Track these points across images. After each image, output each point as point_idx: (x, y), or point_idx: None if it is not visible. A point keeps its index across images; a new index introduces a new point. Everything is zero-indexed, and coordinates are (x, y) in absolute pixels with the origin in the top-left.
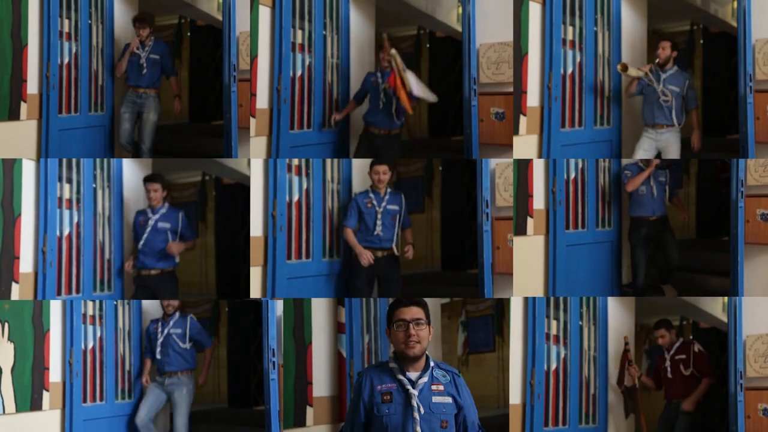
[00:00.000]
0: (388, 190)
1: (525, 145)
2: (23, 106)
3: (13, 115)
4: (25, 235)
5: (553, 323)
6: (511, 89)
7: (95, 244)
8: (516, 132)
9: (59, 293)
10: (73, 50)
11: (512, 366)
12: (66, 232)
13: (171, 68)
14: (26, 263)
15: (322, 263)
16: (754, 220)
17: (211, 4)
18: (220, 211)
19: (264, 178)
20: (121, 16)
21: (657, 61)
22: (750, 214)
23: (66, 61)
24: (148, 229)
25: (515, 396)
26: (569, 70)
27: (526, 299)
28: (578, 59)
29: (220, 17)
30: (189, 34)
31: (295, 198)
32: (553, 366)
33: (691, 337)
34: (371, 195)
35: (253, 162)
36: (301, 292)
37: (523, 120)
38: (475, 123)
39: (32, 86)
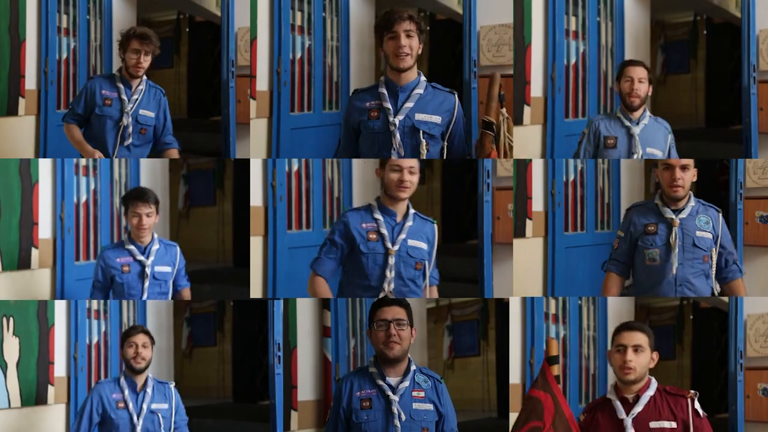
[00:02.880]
0: (411, 210)
1: (529, 135)
2: (21, 102)
3: (11, 111)
4: (43, 201)
5: (552, 302)
6: (511, 72)
7: (112, 212)
8: (520, 122)
9: (77, 259)
10: (72, 46)
11: (512, 346)
12: (83, 198)
13: (171, 135)
14: (45, 229)
15: (323, 233)
16: (753, 222)
17: (209, 1)
18: (239, 178)
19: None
20: (120, 11)
21: (626, 102)
22: (749, 216)
23: (64, 56)
24: (146, 282)
25: (515, 376)
26: (572, 61)
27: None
28: (581, 50)
29: (218, 13)
30: (188, 30)
31: (294, 168)
32: None
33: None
34: (378, 215)
35: (253, 143)
36: (302, 262)
37: (527, 110)
38: (476, 106)
39: (30, 82)
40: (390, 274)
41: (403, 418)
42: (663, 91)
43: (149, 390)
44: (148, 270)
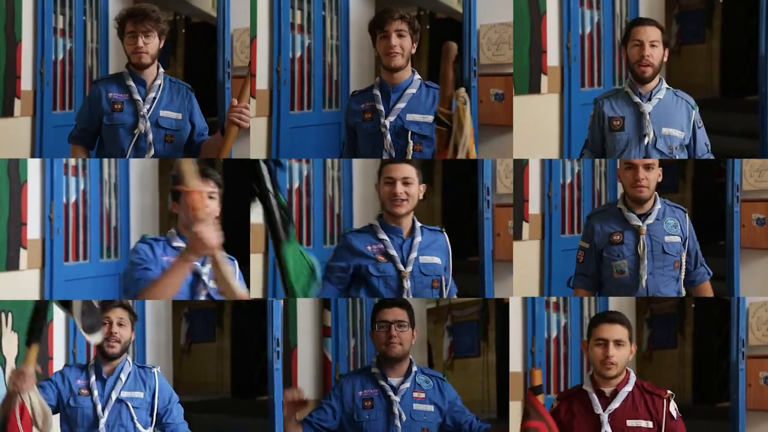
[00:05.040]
0: (417, 223)
1: (546, 104)
2: (17, 103)
3: (7, 112)
4: (31, 201)
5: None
6: (511, 71)
7: (101, 212)
8: (538, 91)
9: (66, 259)
10: (68, 47)
11: (513, 331)
12: (72, 199)
13: (202, 124)
14: (33, 230)
15: (324, 250)
16: (750, 224)
17: (206, 2)
18: (230, 177)
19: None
20: (117, 12)
21: (635, 73)
22: (745, 218)
23: (60, 57)
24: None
25: (516, 364)
26: (587, 30)
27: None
28: (596, 19)
29: (214, 14)
30: (184, 31)
31: (296, 185)
32: (554, 334)
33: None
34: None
35: (253, 147)
36: None
37: (544, 79)
38: (475, 104)
39: (26, 83)
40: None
41: (404, 418)
42: (677, 62)
43: (123, 376)
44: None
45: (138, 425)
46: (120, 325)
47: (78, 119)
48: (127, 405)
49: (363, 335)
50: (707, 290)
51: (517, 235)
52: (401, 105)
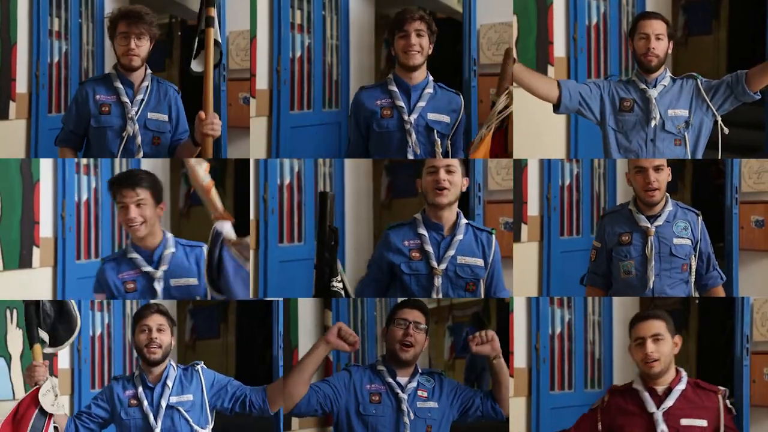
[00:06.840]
0: (462, 220)
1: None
2: (12, 106)
3: (2, 115)
4: (44, 200)
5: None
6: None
7: (113, 211)
8: None
9: (78, 258)
10: (63, 49)
11: (517, 328)
12: (84, 198)
13: (186, 132)
14: (46, 228)
15: (313, 249)
16: (749, 226)
17: None
18: (239, 177)
19: (254, 163)
20: None
21: (642, 63)
22: (744, 220)
23: (56, 60)
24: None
25: (520, 361)
26: (594, 21)
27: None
28: (602, 10)
29: None
30: (180, 33)
31: (287, 181)
32: (558, 331)
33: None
34: (421, 230)
35: (253, 147)
36: (292, 274)
37: (550, 70)
38: (475, 104)
39: (21, 85)
40: (437, 297)
41: (412, 416)
42: (684, 53)
43: (169, 382)
44: (158, 285)
45: (195, 427)
46: (160, 330)
47: (65, 122)
48: (178, 410)
49: (364, 335)
50: (719, 294)
51: (516, 237)
52: (422, 104)
